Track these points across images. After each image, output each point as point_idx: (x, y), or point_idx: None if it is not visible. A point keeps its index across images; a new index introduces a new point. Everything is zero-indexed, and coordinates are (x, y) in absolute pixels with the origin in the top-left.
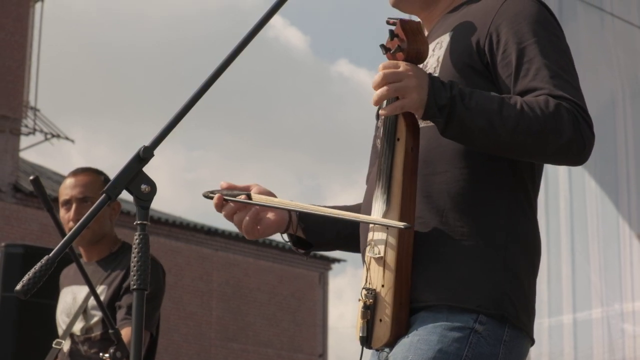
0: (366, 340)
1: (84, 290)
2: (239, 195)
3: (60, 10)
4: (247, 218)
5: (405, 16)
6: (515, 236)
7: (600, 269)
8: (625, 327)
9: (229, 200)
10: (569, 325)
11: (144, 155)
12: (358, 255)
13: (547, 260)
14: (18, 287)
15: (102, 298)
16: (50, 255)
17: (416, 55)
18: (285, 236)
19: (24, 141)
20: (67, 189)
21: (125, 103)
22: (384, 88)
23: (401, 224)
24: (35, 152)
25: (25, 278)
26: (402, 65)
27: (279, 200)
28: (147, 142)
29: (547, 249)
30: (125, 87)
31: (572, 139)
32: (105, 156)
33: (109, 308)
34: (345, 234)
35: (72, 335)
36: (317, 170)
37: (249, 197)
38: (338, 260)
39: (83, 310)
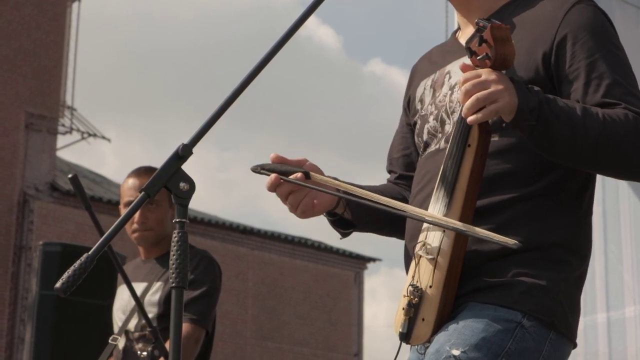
0: (406, 337)
1: (140, 287)
2: (292, 172)
3: (95, 10)
4: (306, 199)
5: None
6: (572, 250)
7: (632, 267)
8: None
9: (287, 180)
10: (603, 325)
11: (183, 153)
12: (393, 255)
13: None
14: (57, 284)
15: (159, 294)
16: (90, 253)
17: (502, 62)
18: (328, 216)
19: (61, 140)
20: (130, 190)
21: (157, 102)
22: (482, 113)
23: (512, 242)
24: (70, 151)
25: (65, 276)
26: (485, 73)
27: (337, 182)
28: (185, 140)
29: None
30: (158, 87)
31: None
32: (138, 155)
33: (166, 304)
34: (386, 220)
35: (127, 332)
36: (350, 170)
37: (306, 175)
38: (373, 260)
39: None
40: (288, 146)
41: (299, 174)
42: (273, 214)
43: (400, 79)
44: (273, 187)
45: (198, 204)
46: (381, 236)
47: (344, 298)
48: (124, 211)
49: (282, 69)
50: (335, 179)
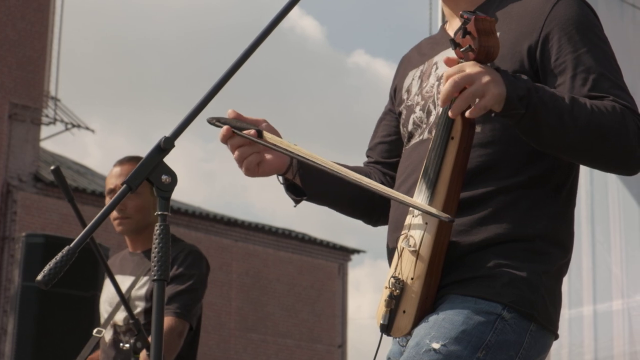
0: (387, 329)
1: (127, 281)
2: (247, 129)
3: (80, 0)
4: (251, 156)
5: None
6: (554, 241)
7: (621, 260)
8: None
9: (238, 134)
10: (589, 317)
11: (165, 146)
12: (377, 247)
13: None
14: (39, 277)
15: (145, 288)
16: (71, 245)
17: (486, 55)
18: (281, 178)
19: (45, 131)
20: (112, 178)
21: (143, 93)
22: (462, 100)
23: (444, 215)
24: (53, 142)
25: (46, 268)
26: (469, 66)
27: (293, 146)
28: (167, 133)
29: None
30: (143, 78)
31: (636, 148)
32: (122, 146)
33: (152, 299)
34: (347, 195)
35: (114, 325)
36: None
37: (259, 133)
38: (357, 252)
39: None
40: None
41: (252, 131)
42: (257, 205)
43: (384, 70)
44: (225, 139)
45: (182, 195)
46: (366, 225)
47: (327, 290)
48: (107, 199)
49: (266, 60)
50: (295, 145)
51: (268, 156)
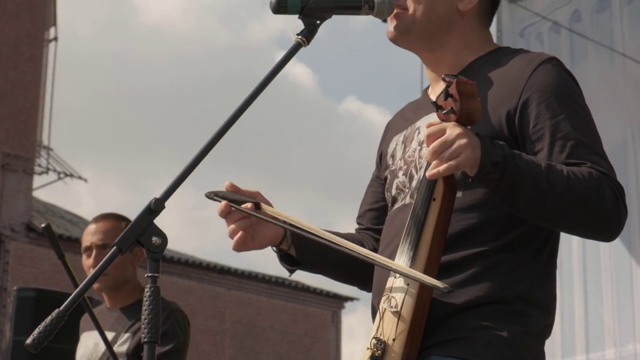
0: None
1: (108, 335)
2: (244, 201)
3: (72, 50)
4: (241, 232)
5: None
6: (534, 303)
7: (613, 309)
8: None
9: (237, 208)
10: None
11: (155, 207)
12: (370, 294)
13: (560, 301)
14: (29, 340)
15: (126, 346)
16: (61, 308)
17: (467, 117)
18: (275, 249)
19: (37, 180)
20: (87, 235)
21: (133, 142)
22: (443, 167)
23: (442, 286)
24: (46, 191)
25: (36, 331)
26: (449, 128)
27: (288, 216)
28: (158, 195)
29: (560, 289)
30: (135, 127)
31: (613, 213)
32: (114, 195)
33: (134, 356)
34: (339, 264)
35: None
36: (328, 208)
37: (257, 206)
38: (351, 299)
39: (107, 358)
40: (265, 185)
41: (249, 204)
42: (250, 253)
43: (376, 116)
44: (223, 214)
45: (174, 243)
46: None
47: (321, 337)
48: (84, 256)
49: (259, 109)
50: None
51: (265, 228)
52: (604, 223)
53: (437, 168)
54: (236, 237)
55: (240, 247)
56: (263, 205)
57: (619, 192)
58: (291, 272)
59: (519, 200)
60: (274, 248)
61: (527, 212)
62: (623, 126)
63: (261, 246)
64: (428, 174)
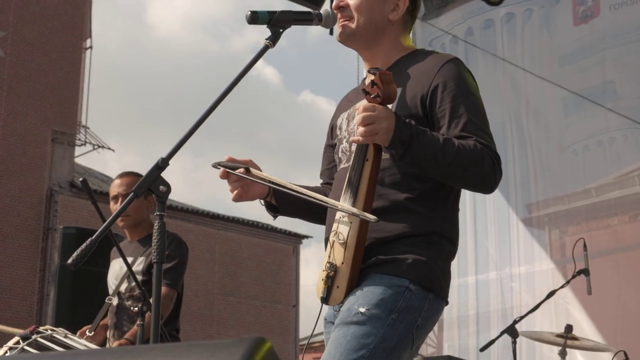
0: (325, 300)
1: (129, 260)
2: (239, 167)
3: (102, 56)
4: (239, 189)
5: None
6: (445, 236)
7: (495, 243)
8: (513, 285)
9: (232, 173)
10: (473, 284)
11: (162, 164)
12: (322, 234)
13: None
14: (69, 260)
15: (142, 266)
16: (93, 238)
17: (388, 99)
18: (262, 202)
19: (77, 150)
20: (115, 187)
21: (147, 123)
22: (363, 130)
23: (374, 218)
24: (84, 158)
25: (74, 254)
26: (378, 110)
27: (270, 177)
28: (164, 154)
29: None
30: (148, 112)
31: (490, 175)
32: (134, 161)
33: (147, 273)
34: (308, 211)
35: (119, 294)
36: (289, 172)
37: (247, 170)
38: (307, 237)
39: (128, 275)
40: (244, 154)
41: (241, 169)
42: (234, 203)
43: (324, 105)
44: (222, 176)
45: (177, 196)
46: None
47: (285, 265)
48: (112, 203)
49: (238, 99)
50: (272, 178)
51: (254, 186)
52: (483, 181)
53: (359, 137)
54: (234, 192)
55: (237, 199)
56: (252, 170)
57: (496, 160)
58: (274, 217)
59: (421, 165)
60: (261, 201)
61: (428, 173)
62: (502, 112)
63: (252, 198)
64: (352, 138)
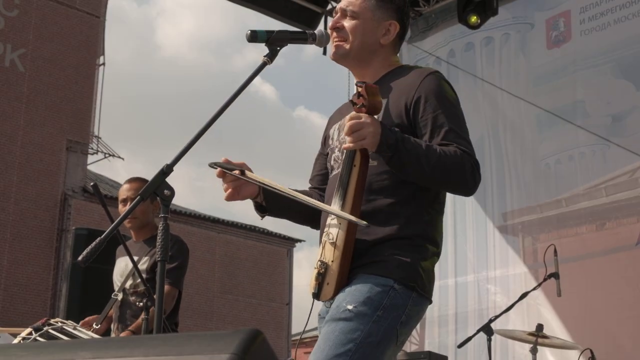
0: (317, 296)
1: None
2: (234, 169)
3: (114, 72)
4: (231, 190)
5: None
6: (428, 239)
7: (473, 248)
8: (489, 287)
9: (228, 173)
10: (452, 286)
11: (167, 170)
12: (314, 238)
13: None
14: (80, 258)
15: (146, 265)
16: (101, 237)
17: (374, 109)
18: (252, 202)
19: (90, 158)
20: (123, 191)
21: (154, 134)
22: (351, 137)
23: (363, 222)
24: (96, 166)
25: (84, 252)
26: (364, 117)
27: (262, 179)
28: (168, 161)
29: None
30: (155, 125)
31: (470, 178)
32: (142, 169)
33: (151, 272)
34: (296, 212)
35: (124, 290)
36: (285, 181)
37: (242, 172)
38: (300, 241)
39: (133, 273)
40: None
41: (236, 171)
42: (233, 209)
43: (318, 120)
44: (219, 176)
45: (181, 202)
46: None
47: (279, 266)
48: (120, 206)
49: (237, 114)
50: (264, 180)
51: (246, 186)
52: (464, 184)
53: (349, 143)
54: (227, 192)
55: (229, 198)
56: (246, 172)
57: (475, 165)
58: (262, 217)
59: (406, 169)
60: (251, 200)
61: (412, 177)
62: (481, 127)
63: (244, 198)
64: (344, 146)
